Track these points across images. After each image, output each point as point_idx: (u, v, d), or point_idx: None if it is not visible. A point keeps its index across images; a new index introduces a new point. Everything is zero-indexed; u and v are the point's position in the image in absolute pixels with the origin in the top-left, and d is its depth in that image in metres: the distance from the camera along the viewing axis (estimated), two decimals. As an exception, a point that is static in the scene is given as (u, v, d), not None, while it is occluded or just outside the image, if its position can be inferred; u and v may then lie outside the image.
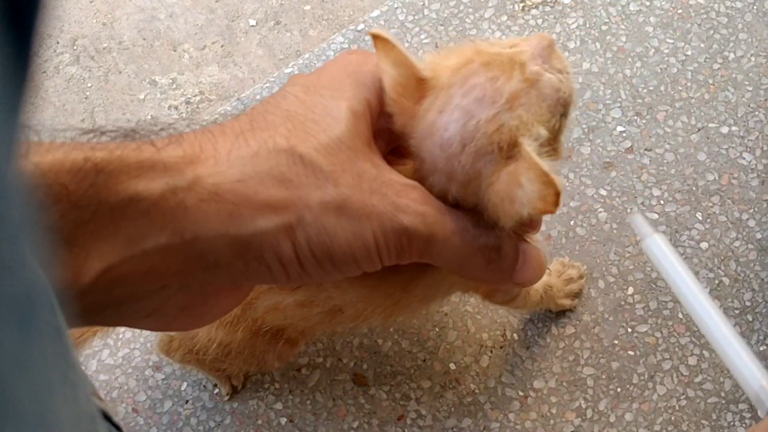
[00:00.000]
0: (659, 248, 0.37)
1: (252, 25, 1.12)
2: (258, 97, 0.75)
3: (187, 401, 0.67)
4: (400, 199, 0.37)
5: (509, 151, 0.37)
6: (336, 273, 0.38)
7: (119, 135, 0.35)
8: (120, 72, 1.11)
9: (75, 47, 1.13)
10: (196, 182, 0.33)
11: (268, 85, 0.76)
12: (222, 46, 1.10)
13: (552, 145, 0.40)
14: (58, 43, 1.13)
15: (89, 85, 1.10)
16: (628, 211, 0.72)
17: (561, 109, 0.39)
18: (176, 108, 1.07)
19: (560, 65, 0.40)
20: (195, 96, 1.08)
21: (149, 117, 1.06)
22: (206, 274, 0.35)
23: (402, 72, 0.39)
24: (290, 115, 0.36)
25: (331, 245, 0.35)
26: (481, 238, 0.40)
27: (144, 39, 1.13)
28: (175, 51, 1.12)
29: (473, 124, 0.37)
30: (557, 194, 0.36)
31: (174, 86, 1.10)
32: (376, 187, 0.36)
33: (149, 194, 0.32)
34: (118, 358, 0.68)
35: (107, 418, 0.34)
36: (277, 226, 0.34)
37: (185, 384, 0.67)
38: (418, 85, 0.39)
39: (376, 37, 0.39)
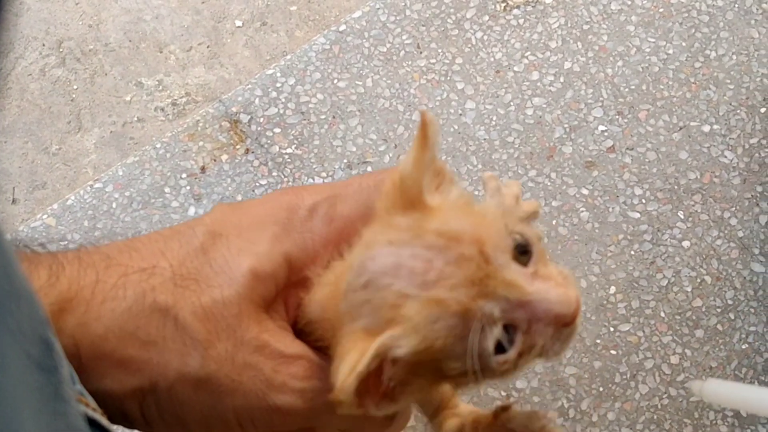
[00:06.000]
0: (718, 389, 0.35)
1: (238, 26, 1.12)
2: (240, 98, 0.75)
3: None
4: (277, 376, 0.33)
5: (380, 331, 0.32)
6: None
7: None
8: (106, 74, 1.10)
9: (61, 49, 1.13)
10: (56, 333, 0.31)
11: (249, 86, 0.76)
12: (208, 47, 1.10)
13: (437, 376, 0.33)
14: (44, 45, 1.13)
15: (75, 87, 1.10)
16: (610, 210, 0.72)
17: (473, 366, 0.32)
18: (162, 110, 1.06)
19: (547, 343, 0.32)
20: (181, 97, 1.08)
21: (135, 119, 1.06)
22: None
23: (414, 175, 0.34)
24: (184, 264, 0.34)
25: (182, 415, 0.33)
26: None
27: (130, 41, 1.12)
28: (161, 52, 1.12)
29: (386, 281, 0.32)
30: (338, 402, 0.31)
31: (160, 88, 1.09)
32: (252, 360, 0.33)
33: None
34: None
35: (96, 424, 0.33)
36: (124, 388, 0.32)
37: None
38: (413, 200, 0.34)
39: (424, 124, 0.33)
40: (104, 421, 0.34)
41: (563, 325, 0.32)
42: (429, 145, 0.33)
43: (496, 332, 0.31)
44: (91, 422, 0.32)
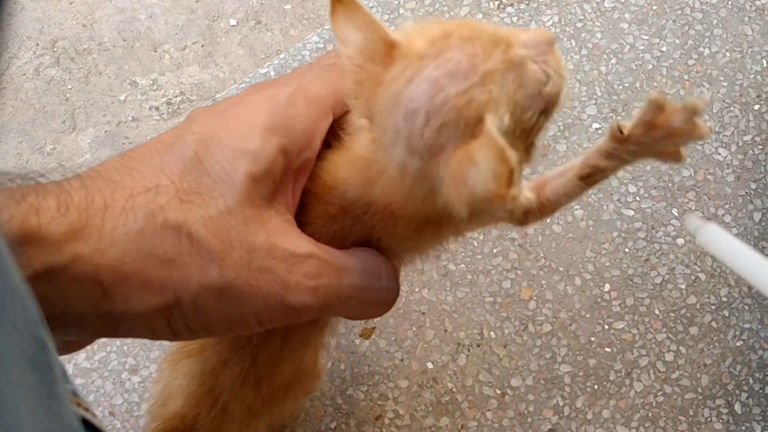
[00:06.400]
0: (717, 236, 0.37)
1: (233, 25, 1.12)
2: (233, 98, 0.75)
3: (164, 404, 0.67)
4: (291, 276, 0.35)
5: (475, 127, 0.33)
6: (215, 337, 0.38)
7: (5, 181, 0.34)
8: (100, 73, 1.10)
9: (55, 49, 1.13)
10: (75, 261, 0.32)
11: (243, 85, 0.75)
12: (203, 47, 1.10)
13: (524, 140, 0.37)
14: (38, 45, 1.13)
15: (69, 86, 1.10)
16: (604, 208, 0.72)
17: (541, 104, 0.36)
18: (157, 109, 1.06)
19: (554, 64, 0.37)
20: (176, 97, 1.08)
21: (130, 118, 1.06)
22: (75, 333, 0.35)
23: (369, 36, 0.35)
24: (185, 179, 0.35)
25: (208, 322, 0.35)
26: (382, 293, 0.39)
27: (124, 40, 1.12)
28: (155, 52, 1.11)
29: (442, 97, 0.33)
30: (511, 172, 0.32)
31: (155, 87, 1.09)
32: (266, 264, 0.35)
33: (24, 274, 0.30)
34: (95, 361, 0.67)
35: (88, 424, 0.34)
36: (151, 307, 0.34)
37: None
38: (387, 51, 0.35)
39: (336, 1, 0.35)
40: (96, 420, 0.34)
41: (549, 44, 0.37)
42: (358, 6, 0.36)
43: (533, 67, 0.36)
44: (84, 422, 0.32)
